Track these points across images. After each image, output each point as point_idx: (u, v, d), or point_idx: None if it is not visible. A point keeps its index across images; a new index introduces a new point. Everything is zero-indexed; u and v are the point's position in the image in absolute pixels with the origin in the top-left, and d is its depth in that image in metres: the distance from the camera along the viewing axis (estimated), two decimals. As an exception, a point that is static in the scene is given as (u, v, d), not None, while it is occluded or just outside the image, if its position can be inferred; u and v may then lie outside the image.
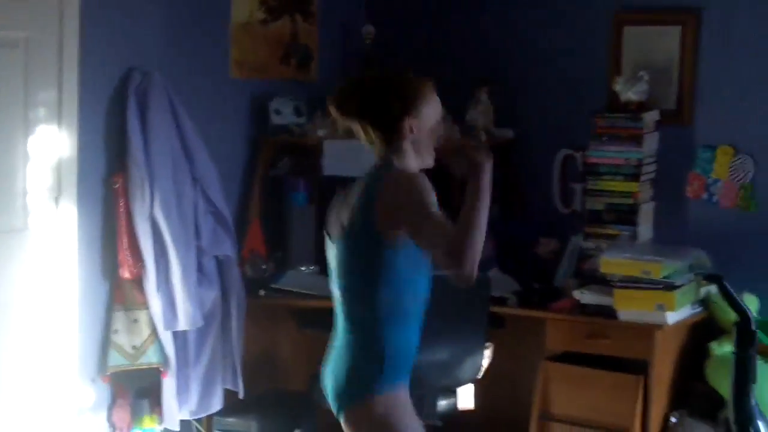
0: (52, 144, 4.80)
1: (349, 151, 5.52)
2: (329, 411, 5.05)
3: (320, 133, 5.63)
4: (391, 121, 3.41)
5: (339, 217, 3.45)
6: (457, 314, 4.83)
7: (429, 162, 3.48)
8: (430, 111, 3.47)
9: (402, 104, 3.41)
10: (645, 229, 5.33)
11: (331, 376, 3.49)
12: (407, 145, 3.43)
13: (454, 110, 5.68)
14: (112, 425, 5.06)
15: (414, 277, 3.41)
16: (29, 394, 4.81)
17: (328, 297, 5.30)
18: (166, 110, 5.05)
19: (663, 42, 5.43)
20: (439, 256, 3.22)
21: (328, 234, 3.50)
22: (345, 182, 5.40)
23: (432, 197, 3.29)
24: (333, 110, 3.48)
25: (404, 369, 3.44)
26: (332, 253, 3.48)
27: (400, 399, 3.40)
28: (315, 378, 5.11)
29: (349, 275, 3.43)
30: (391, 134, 3.42)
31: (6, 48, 4.64)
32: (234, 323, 5.24)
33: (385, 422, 3.36)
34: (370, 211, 3.33)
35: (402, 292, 3.39)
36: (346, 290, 3.45)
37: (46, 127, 4.78)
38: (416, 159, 3.45)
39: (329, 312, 5.33)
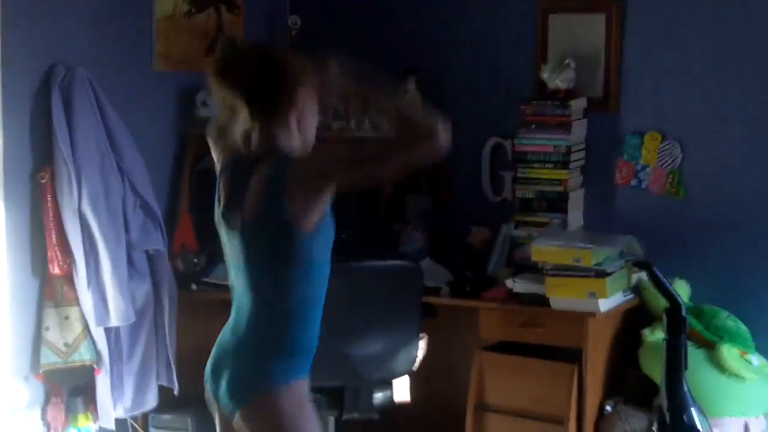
0: (-24, 140, 4.74)
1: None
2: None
3: (248, 124, 5.59)
4: (278, 92, 3.26)
5: (237, 205, 3.29)
6: (390, 305, 4.84)
7: (311, 142, 3.33)
8: (314, 88, 3.32)
9: (291, 75, 3.25)
10: (575, 216, 5.36)
11: (228, 370, 3.32)
12: (293, 122, 3.28)
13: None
14: (47, 424, 5.00)
15: (324, 262, 3.29)
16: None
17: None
18: (91, 104, 5.00)
19: (589, 30, 5.45)
20: (402, 151, 3.10)
21: (226, 223, 3.34)
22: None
23: None
24: (213, 78, 3.27)
25: (309, 360, 3.33)
26: (232, 242, 3.33)
27: (304, 391, 3.30)
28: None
29: (258, 265, 3.27)
30: (276, 108, 3.26)
31: (-73, 43, 4.57)
32: (166, 318, 5.20)
33: (291, 414, 3.23)
34: (279, 202, 3.17)
35: (314, 278, 3.27)
36: (253, 280, 3.28)
37: (-31, 123, 4.72)
38: (299, 138, 3.30)
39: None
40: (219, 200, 3.38)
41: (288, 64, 3.27)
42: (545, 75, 5.38)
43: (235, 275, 3.36)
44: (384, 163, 3.21)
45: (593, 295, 4.84)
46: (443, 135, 3.07)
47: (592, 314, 4.84)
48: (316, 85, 3.30)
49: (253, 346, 3.29)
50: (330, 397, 4.78)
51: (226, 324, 3.44)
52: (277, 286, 3.25)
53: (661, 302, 4.72)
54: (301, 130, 3.30)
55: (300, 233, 3.18)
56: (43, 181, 4.89)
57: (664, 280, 4.64)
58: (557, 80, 5.36)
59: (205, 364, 5.58)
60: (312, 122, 3.34)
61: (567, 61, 5.37)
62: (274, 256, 3.24)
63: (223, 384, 3.32)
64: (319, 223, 3.20)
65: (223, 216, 3.35)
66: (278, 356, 3.25)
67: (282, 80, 3.25)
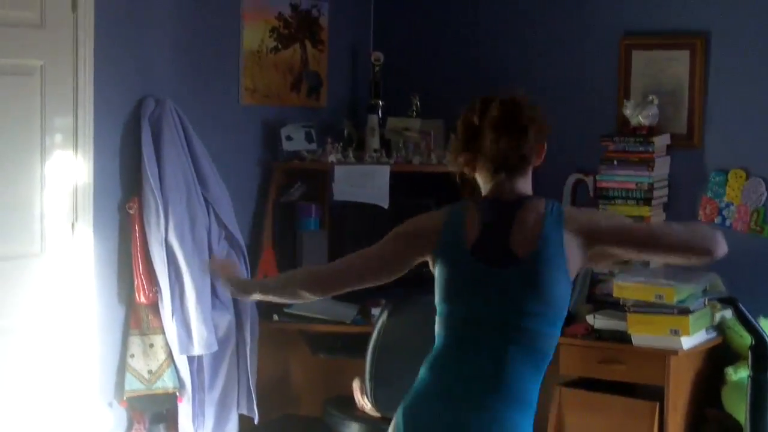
0: (68, 170, 4.82)
1: (360, 177, 5.56)
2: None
3: (331, 158, 5.66)
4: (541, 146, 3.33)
5: (500, 243, 3.21)
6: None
7: None
8: None
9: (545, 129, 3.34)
10: (658, 253, 5.32)
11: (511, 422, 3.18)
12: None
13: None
14: (129, 449, 5.08)
15: None
16: (48, 418, 4.79)
17: (341, 322, 5.38)
18: (179, 137, 5.09)
19: (672, 66, 5.46)
20: (690, 251, 3.20)
21: (479, 259, 3.21)
22: (357, 207, 5.54)
23: None
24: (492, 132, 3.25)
25: None
26: (488, 279, 3.20)
27: None
28: (329, 403, 5.16)
29: (541, 307, 3.17)
30: (532, 161, 3.32)
31: (23, 76, 4.66)
32: (248, 348, 5.27)
33: None
34: (561, 246, 3.17)
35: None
36: (531, 323, 3.16)
37: (62, 153, 4.80)
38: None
39: (341, 337, 5.41)
40: (457, 238, 3.26)
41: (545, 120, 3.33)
42: (628, 111, 5.38)
43: (484, 314, 3.21)
44: (657, 250, 3.28)
45: (676, 333, 4.80)
46: (721, 250, 3.20)
47: (675, 352, 4.81)
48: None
49: (514, 397, 3.18)
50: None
51: (438, 362, 3.26)
52: (550, 333, 3.21)
53: (744, 340, 4.68)
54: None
55: (570, 275, 3.20)
56: (132, 211, 4.97)
57: (750, 316, 4.59)
58: (640, 116, 5.36)
59: (284, 394, 5.67)
60: None
61: (650, 97, 5.37)
62: (553, 298, 3.19)
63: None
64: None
65: (479, 252, 3.22)
66: (531, 409, 3.22)
67: (543, 135, 3.32)
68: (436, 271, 3.29)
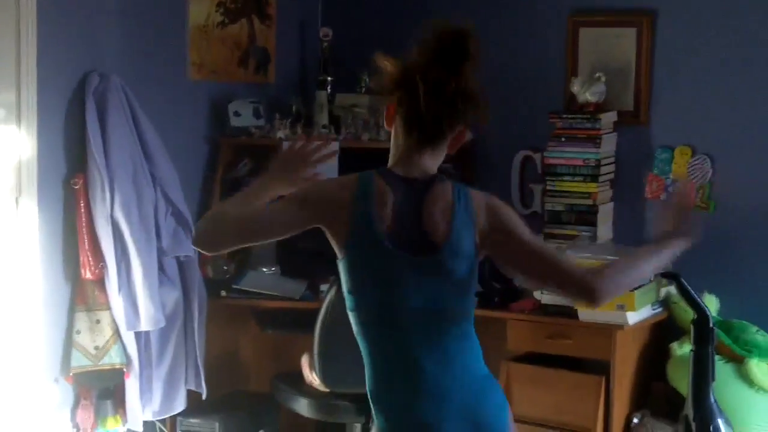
0: (11, 144, 4.77)
1: (308, 153, 5.54)
2: (292, 411, 5.10)
3: (280, 134, 5.64)
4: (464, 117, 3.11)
5: (414, 229, 3.06)
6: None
7: None
8: None
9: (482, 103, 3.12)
10: (604, 229, 5.36)
11: (477, 414, 3.09)
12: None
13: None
14: (76, 426, 5.04)
15: None
16: (-8, 395, 4.78)
17: (290, 298, 5.37)
18: (124, 112, 5.05)
19: (619, 43, 5.47)
20: (571, 285, 3.09)
21: (396, 245, 3.03)
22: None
23: None
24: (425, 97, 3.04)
25: None
26: (402, 265, 3.04)
27: None
28: (278, 379, 5.16)
29: (460, 293, 3.09)
30: (449, 133, 3.13)
31: (-36, 49, 4.63)
32: (196, 324, 5.25)
33: None
34: (469, 228, 3.05)
35: None
36: (456, 309, 3.10)
37: (5, 127, 4.75)
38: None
39: (290, 313, 5.40)
40: (370, 223, 3.05)
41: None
42: (575, 88, 5.40)
43: (403, 300, 3.06)
44: (546, 279, 3.19)
45: (621, 308, 4.84)
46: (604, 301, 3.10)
47: (620, 327, 4.85)
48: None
49: (470, 381, 3.13)
50: (356, 405, 4.80)
51: (385, 397, 3.14)
52: (467, 312, 3.14)
53: (689, 315, 4.71)
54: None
55: (477, 261, 3.10)
56: (77, 187, 4.94)
57: (692, 290, 4.62)
58: (587, 93, 5.37)
59: (233, 370, 5.66)
60: None
61: (597, 74, 5.39)
62: (470, 284, 3.11)
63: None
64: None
65: (395, 238, 3.04)
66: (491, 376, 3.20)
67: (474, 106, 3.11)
68: (347, 256, 3.09)
